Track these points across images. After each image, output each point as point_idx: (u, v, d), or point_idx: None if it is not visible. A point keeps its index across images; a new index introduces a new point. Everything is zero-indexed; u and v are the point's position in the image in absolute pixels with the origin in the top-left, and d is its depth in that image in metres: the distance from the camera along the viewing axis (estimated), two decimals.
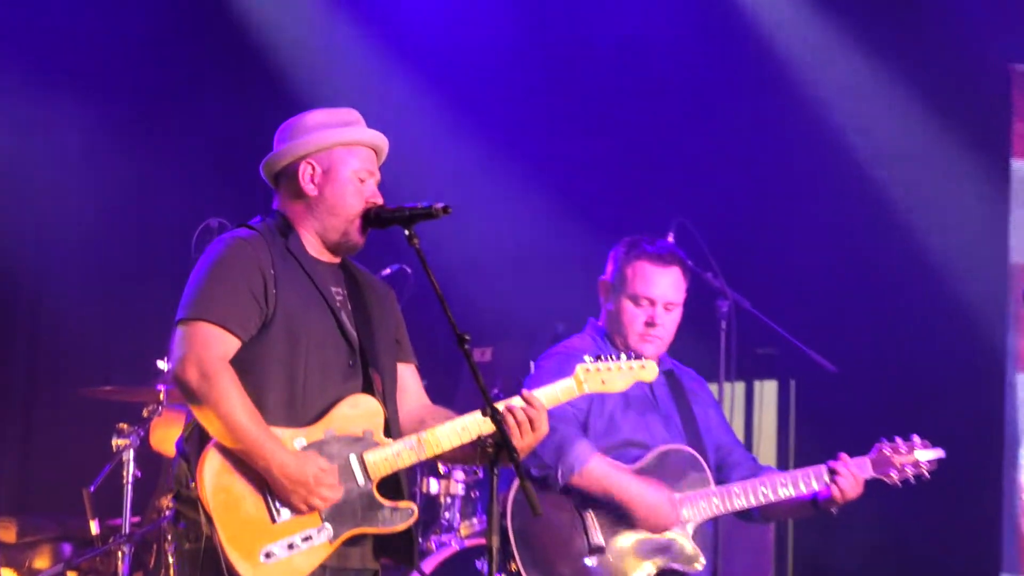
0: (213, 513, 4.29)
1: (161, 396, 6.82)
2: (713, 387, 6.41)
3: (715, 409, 5.76)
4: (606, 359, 4.68)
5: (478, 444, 4.40)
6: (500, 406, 4.43)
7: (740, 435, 8.85)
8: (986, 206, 8.17)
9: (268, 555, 4.32)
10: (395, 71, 8.71)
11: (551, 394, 4.59)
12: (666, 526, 5.31)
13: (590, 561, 5.27)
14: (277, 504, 4.35)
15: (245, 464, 4.32)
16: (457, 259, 7.99)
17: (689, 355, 6.15)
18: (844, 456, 5.42)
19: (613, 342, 5.57)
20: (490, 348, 8.14)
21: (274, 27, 8.80)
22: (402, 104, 8.57)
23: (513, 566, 5.22)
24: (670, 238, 6.53)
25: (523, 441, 4.38)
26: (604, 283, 5.65)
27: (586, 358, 4.66)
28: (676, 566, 5.35)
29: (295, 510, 4.33)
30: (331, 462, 4.39)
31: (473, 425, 4.47)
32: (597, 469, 5.27)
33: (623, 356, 4.71)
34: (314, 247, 4.60)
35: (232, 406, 4.29)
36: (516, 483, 5.22)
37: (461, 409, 4.64)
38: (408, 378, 4.73)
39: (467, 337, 4.31)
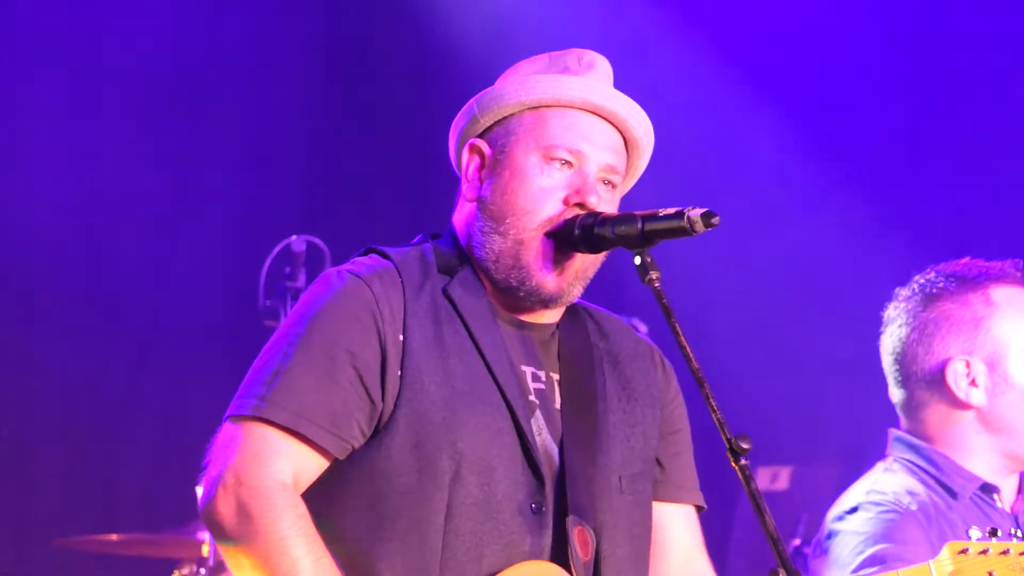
0: None
1: (205, 550, 5.33)
2: None
3: None
4: (1007, 535, 3.53)
5: None
6: None
7: None
8: None
9: None
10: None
11: None
12: None
13: None
14: None
15: None
16: (728, 308, 7.02)
17: None
18: None
19: (955, 468, 4.15)
20: (788, 468, 6.85)
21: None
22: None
23: None
24: None
25: None
26: (946, 366, 4.14)
27: (973, 532, 3.55)
28: None
29: None
30: None
31: None
32: None
33: None
34: (500, 296, 3.29)
35: (290, 562, 3.02)
36: None
37: (737, 568, 4.02)
38: (673, 529, 3.45)
39: (746, 447, 2.99)
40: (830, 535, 4.17)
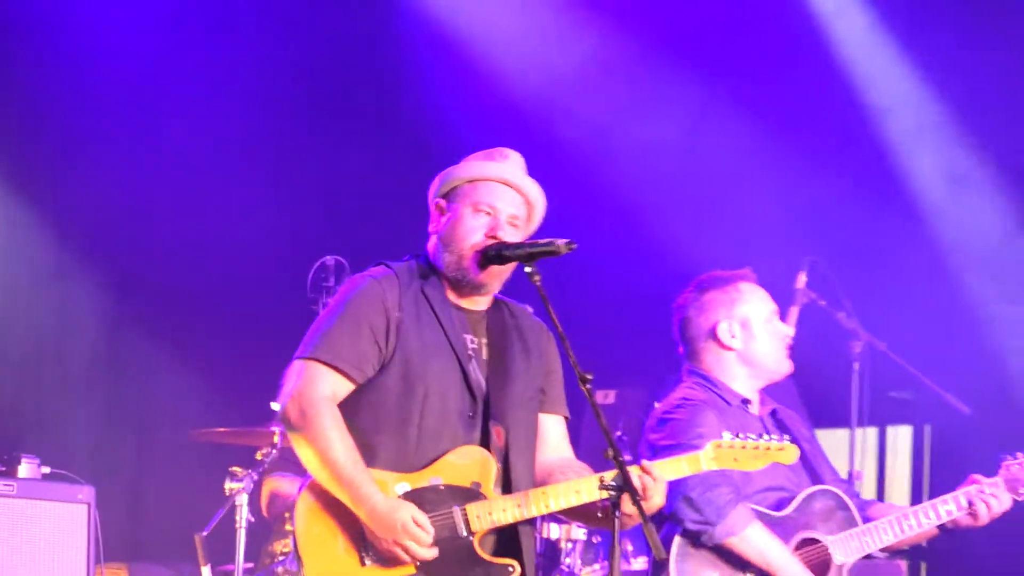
0: (301, 551, 4.18)
1: (276, 438, 6.59)
2: (843, 432, 6.11)
3: (816, 444, 5.63)
4: (744, 437, 4.47)
5: (590, 509, 4.27)
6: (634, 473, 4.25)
7: (872, 481, 8.42)
8: None
9: None
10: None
11: (676, 468, 4.39)
12: None
13: None
14: (367, 548, 4.20)
15: (341, 504, 4.18)
16: (582, 297, 7.87)
17: (818, 399, 5.83)
18: (979, 478, 5.34)
19: (731, 388, 5.44)
20: (614, 391, 7.89)
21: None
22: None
23: None
24: (802, 277, 6.44)
25: (633, 510, 4.10)
26: (716, 327, 5.47)
27: (725, 435, 4.47)
28: None
29: (382, 557, 4.18)
30: (433, 510, 4.22)
31: (588, 489, 4.27)
32: (758, 537, 5.15)
33: (764, 437, 4.51)
34: (453, 292, 4.42)
35: (328, 444, 4.15)
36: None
37: (584, 452, 4.54)
38: (550, 430, 4.52)
39: (589, 377, 4.07)
40: (663, 421, 5.31)
